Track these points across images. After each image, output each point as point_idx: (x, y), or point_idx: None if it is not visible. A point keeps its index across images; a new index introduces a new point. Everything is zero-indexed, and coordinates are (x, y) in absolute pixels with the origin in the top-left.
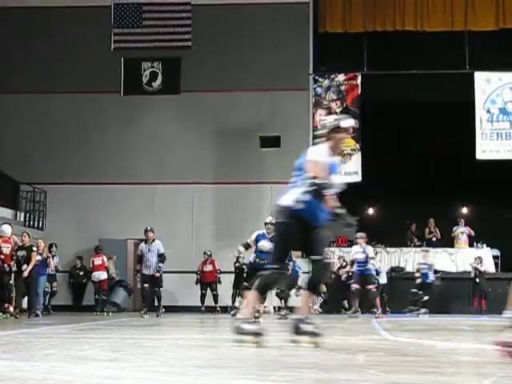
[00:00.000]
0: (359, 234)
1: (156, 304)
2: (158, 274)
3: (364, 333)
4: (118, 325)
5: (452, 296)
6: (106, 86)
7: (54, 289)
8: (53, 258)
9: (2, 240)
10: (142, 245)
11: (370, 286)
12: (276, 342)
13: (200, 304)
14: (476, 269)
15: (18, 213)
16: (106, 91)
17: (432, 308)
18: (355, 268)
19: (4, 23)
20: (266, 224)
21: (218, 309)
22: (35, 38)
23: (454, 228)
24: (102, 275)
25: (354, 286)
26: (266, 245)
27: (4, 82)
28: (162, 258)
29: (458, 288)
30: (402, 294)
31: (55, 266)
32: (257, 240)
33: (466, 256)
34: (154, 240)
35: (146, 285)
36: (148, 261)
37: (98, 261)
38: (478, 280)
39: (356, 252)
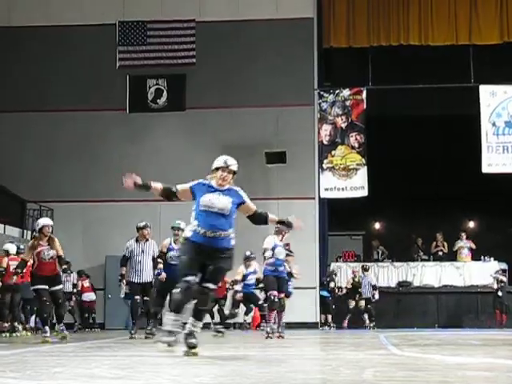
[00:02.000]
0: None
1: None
2: (162, 275)
3: (372, 347)
4: (125, 342)
5: (460, 310)
6: (112, 104)
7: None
8: (70, 275)
9: (10, 258)
10: (132, 243)
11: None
12: (282, 358)
13: (210, 320)
14: (501, 281)
15: (25, 231)
16: (112, 109)
17: (441, 322)
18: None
19: (11, 41)
20: (173, 228)
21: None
22: (41, 56)
23: (456, 242)
24: (91, 296)
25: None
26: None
27: (11, 99)
28: (155, 263)
29: (466, 302)
30: (409, 309)
31: (73, 284)
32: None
33: (472, 270)
34: (147, 239)
35: (137, 297)
36: (139, 264)
37: (86, 283)
38: (500, 293)
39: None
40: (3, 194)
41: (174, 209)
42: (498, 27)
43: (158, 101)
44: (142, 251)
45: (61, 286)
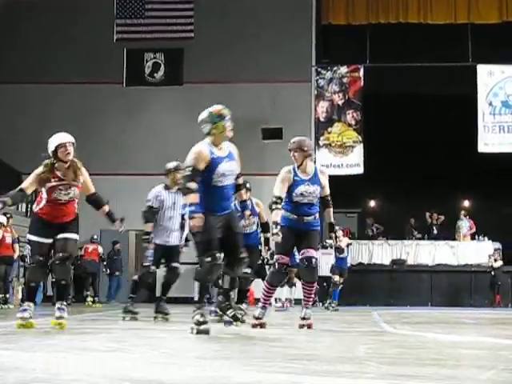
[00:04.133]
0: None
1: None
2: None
3: (364, 325)
4: (120, 315)
5: (454, 289)
6: (109, 77)
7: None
8: None
9: (4, 230)
10: (161, 191)
11: None
12: (277, 335)
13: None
14: (496, 260)
15: (20, 204)
16: (109, 82)
17: (434, 301)
18: None
19: (7, 13)
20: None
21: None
22: (37, 28)
23: (458, 222)
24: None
25: None
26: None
27: (8, 71)
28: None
29: (460, 281)
30: (403, 287)
31: None
32: None
33: (466, 249)
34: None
35: (153, 267)
36: (170, 221)
37: (91, 248)
38: (492, 273)
39: None
40: None
41: None
42: (497, 7)
43: (156, 75)
44: (174, 203)
45: (74, 236)
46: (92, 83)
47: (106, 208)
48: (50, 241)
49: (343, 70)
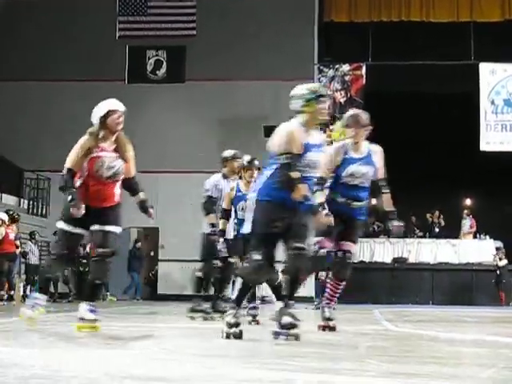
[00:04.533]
0: None
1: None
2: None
3: (365, 323)
4: (121, 313)
5: (455, 287)
6: (111, 74)
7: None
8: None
9: (6, 227)
10: (220, 180)
11: None
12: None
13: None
14: (500, 259)
15: (22, 200)
16: (111, 79)
17: (436, 299)
18: None
19: (9, 10)
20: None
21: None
22: (40, 25)
23: (462, 221)
24: None
25: None
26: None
27: (9, 69)
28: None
29: (461, 279)
30: (404, 285)
31: None
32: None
33: (468, 248)
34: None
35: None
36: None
37: None
38: (498, 272)
39: None
40: (0, 163)
41: (172, 180)
42: (499, 5)
43: (158, 72)
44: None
45: (115, 229)
46: (93, 81)
47: (142, 195)
48: (80, 231)
49: (345, 67)
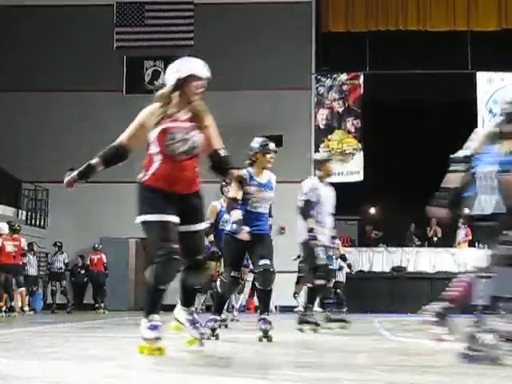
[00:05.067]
0: None
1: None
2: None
3: (364, 332)
4: (119, 323)
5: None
6: (109, 85)
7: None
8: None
9: (4, 238)
10: (317, 183)
11: None
12: (277, 341)
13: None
14: None
15: (20, 211)
16: (109, 90)
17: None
18: None
19: (7, 20)
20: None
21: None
22: (38, 36)
23: (457, 231)
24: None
25: None
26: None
27: (6, 79)
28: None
29: None
30: (403, 295)
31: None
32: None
33: (467, 257)
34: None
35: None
36: (325, 216)
37: (96, 258)
38: None
39: None
40: None
41: None
42: (496, 14)
43: (156, 83)
44: (327, 197)
45: (203, 227)
46: (91, 91)
47: (236, 172)
48: (177, 220)
49: (343, 77)
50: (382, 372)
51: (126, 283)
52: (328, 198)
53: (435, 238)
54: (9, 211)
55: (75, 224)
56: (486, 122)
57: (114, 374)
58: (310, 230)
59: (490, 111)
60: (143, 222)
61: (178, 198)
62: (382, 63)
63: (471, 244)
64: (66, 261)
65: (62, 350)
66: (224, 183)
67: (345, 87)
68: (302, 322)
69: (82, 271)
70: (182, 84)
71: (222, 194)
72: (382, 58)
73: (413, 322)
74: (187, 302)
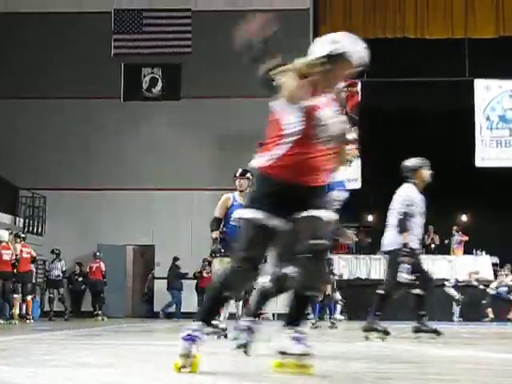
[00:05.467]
0: None
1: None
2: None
3: (360, 339)
4: (117, 331)
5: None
6: (106, 92)
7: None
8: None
9: (1, 246)
10: (413, 192)
11: None
12: (271, 351)
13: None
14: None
15: (18, 218)
16: (106, 97)
17: (432, 315)
18: None
19: (6, 28)
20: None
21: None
22: (36, 43)
23: (451, 238)
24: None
25: None
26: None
27: (4, 86)
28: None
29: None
30: (400, 302)
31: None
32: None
33: (464, 264)
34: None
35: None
36: (420, 227)
37: (95, 267)
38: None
39: None
40: None
41: (167, 197)
42: (493, 21)
43: (153, 90)
44: (422, 207)
45: (331, 217)
46: (90, 98)
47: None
48: (277, 223)
49: (340, 84)
50: (377, 379)
51: (123, 290)
52: (422, 209)
53: (433, 246)
54: (6, 218)
55: (73, 231)
56: (484, 129)
57: (113, 382)
58: (405, 246)
59: (488, 118)
60: (240, 217)
61: (304, 191)
62: (380, 70)
63: (466, 251)
64: (64, 268)
65: (60, 357)
66: (235, 177)
67: (342, 94)
68: (369, 329)
69: (80, 278)
70: (334, 60)
71: (236, 187)
72: (379, 65)
73: (409, 329)
74: (294, 317)
